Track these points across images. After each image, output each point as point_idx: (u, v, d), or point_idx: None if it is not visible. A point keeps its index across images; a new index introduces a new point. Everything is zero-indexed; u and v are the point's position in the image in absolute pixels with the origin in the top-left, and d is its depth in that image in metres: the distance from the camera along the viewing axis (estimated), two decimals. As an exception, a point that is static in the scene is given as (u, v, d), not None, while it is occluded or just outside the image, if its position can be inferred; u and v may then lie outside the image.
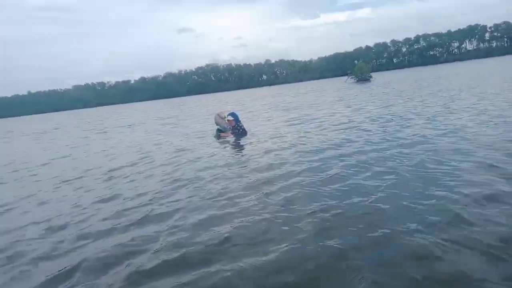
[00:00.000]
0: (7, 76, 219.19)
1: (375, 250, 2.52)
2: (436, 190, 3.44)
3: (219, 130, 9.17)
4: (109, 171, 6.32)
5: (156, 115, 24.38)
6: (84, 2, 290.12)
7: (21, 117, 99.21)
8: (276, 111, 15.62)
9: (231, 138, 8.58)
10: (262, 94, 43.45)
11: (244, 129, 8.84)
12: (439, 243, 2.47)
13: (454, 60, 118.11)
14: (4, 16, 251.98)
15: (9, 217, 4.31)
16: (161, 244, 2.98)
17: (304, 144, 6.66)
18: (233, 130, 8.82)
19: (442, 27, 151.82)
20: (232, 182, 4.58)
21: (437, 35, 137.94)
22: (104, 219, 3.77)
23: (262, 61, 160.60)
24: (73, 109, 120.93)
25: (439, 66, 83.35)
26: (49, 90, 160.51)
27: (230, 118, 8.91)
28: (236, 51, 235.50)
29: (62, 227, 3.70)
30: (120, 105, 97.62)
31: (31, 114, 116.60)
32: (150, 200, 4.23)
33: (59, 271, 2.75)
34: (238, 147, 7.59)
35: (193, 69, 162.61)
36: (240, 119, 8.99)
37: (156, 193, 4.47)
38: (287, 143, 6.96)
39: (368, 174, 4.25)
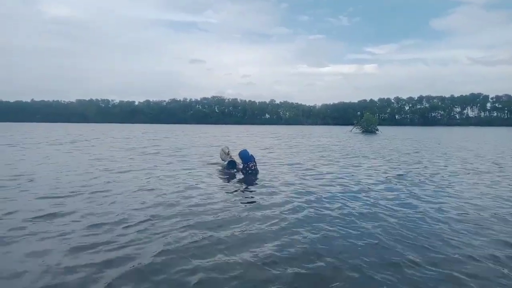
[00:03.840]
0: (13, 82, 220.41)
1: None
2: None
3: (231, 164, 8.17)
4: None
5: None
6: (102, 22, 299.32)
7: (20, 123, 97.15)
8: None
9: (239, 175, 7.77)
10: (282, 133, 41.30)
11: (255, 169, 7.75)
12: None
13: (455, 125, 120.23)
14: (20, 25, 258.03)
15: None
16: None
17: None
18: (243, 169, 7.75)
19: (445, 92, 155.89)
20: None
21: (440, 98, 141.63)
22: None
23: (267, 101, 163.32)
24: (72, 122, 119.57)
25: (442, 128, 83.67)
26: (53, 101, 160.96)
27: (238, 159, 7.94)
28: (242, 88, 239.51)
29: None
30: (129, 125, 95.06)
31: (29, 122, 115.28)
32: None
33: None
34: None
35: (198, 99, 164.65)
36: (252, 158, 7.83)
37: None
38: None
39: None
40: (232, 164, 8.13)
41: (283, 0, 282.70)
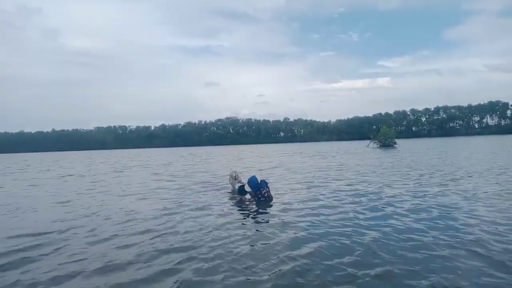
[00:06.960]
0: (35, 113, 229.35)
1: None
2: None
3: (241, 190, 7.44)
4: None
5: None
6: (121, 52, 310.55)
7: (43, 153, 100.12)
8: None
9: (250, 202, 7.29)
10: (308, 151, 40.02)
11: (269, 196, 7.28)
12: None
13: (474, 134, 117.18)
14: (42, 58, 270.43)
15: None
16: None
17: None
18: (255, 195, 7.25)
19: (461, 101, 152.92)
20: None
21: (458, 108, 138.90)
22: None
23: (281, 119, 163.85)
24: (91, 149, 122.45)
25: (461, 138, 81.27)
26: (72, 130, 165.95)
27: (248, 189, 7.27)
28: (257, 107, 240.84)
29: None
30: (146, 149, 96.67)
31: (51, 151, 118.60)
32: None
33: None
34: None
35: (213, 121, 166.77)
36: (264, 183, 7.34)
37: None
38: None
39: None
40: (242, 189, 7.46)
41: (294, 20, 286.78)
